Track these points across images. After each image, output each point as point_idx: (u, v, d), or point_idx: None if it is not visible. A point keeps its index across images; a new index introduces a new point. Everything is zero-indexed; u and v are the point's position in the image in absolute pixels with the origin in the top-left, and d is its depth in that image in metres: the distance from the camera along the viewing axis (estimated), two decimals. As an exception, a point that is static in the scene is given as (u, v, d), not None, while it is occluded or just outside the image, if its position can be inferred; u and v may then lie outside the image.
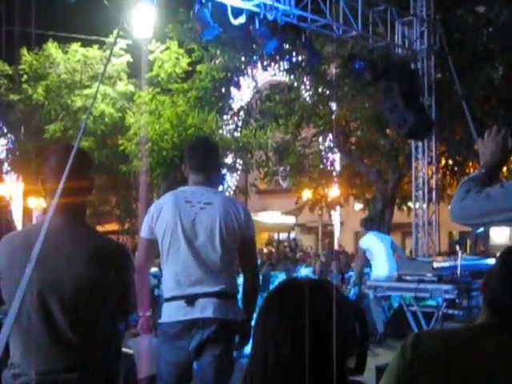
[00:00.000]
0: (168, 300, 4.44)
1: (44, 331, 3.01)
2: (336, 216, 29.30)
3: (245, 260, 4.62)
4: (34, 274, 2.90)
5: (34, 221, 24.81)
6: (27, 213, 26.58)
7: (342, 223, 30.79)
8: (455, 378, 2.16)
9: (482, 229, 9.62)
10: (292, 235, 35.56)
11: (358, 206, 24.39)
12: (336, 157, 20.75)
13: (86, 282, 3.06)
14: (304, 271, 13.93)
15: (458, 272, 8.75)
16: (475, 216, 2.78)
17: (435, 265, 9.23)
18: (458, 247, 10.78)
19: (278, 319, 1.84)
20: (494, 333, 2.23)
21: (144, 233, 4.51)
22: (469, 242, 20.29)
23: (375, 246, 11.54)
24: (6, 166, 24.34)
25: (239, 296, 4.56)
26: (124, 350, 6.37)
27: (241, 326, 4.45)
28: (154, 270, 8.44)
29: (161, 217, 4.42)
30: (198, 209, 4.40)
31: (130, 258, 3.42)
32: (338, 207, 24.83)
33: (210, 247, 4.36)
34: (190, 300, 4.32)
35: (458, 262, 8.81)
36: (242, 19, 11.37)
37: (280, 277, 13.66)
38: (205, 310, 4.30)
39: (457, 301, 8.80)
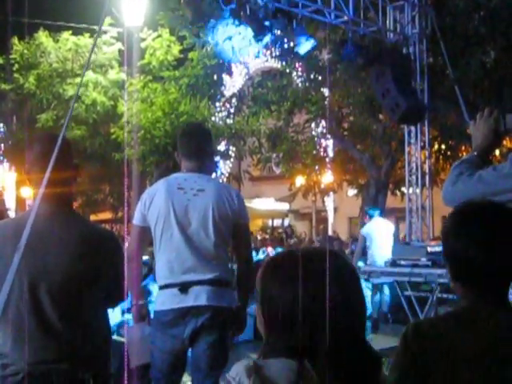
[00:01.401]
0: (162, 288, 4.43)
1: (33, 321, 3.00)
2: (329, 202, 29.32)
3: (239, 246, 4.60)
4: (23, 263, 2.90)
5: (27, 209, 24.76)
6: (20, 202, 26.53)
7: (335, 209, 30.81)
8: (463, 363, 2.16)
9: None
10: (286, 221, 35.59)
11: (352, 191, 24.37)
12: (329, 143, 20.71)
13: (74, 270, 3.05)
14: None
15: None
16: (468, 199, 2.77)
17: (429, 249, 9.25)
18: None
19: (279, 286, 1.85)
20: (486, 308, 2.24)
21: (137, 220, 4.49)
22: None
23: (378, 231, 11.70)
24: (-2, 156, 24.30)
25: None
26: (116, 338, 6.39)
27: (235, 313, 4.44)
28: (144, 258, 8.44)
29: (153, 204, 4.40)
30: (190, 195, 4.38)
31: (119, 245, 3.41)
32: (331, 193, 24.84)
33: (203, 234, 4.34)
34: (184, 288, 4.30)
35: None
36: (232, 5, 11.32)
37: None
38: (198, 297, 4.28)
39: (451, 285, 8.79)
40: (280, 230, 32.91)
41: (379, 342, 9.27)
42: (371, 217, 12.12)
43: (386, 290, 11.63)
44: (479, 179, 2.76)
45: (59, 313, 3.02)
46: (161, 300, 4.43)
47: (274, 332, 1.85)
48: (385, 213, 16.98)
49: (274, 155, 21.85)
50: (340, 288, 1.81)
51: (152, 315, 4.52)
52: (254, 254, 10.65)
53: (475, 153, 2.95)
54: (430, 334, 2.23)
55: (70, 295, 3.05)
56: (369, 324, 10.82)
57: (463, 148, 16.57)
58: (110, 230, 3.91)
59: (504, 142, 13.36)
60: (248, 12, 11.13)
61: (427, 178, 14.35)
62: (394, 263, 9.69)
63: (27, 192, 25.61)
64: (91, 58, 20.63)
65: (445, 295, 9.00)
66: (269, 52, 17.65)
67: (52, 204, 3.13)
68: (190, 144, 4.56)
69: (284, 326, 1.82)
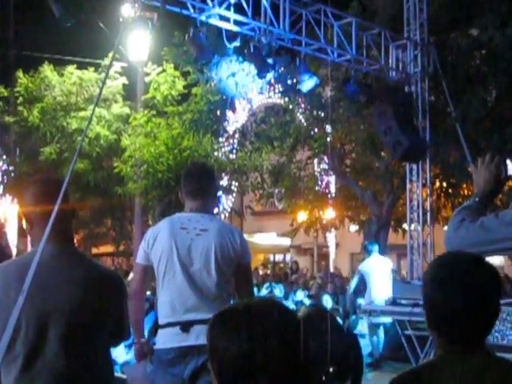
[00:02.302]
0: (163, 326, 4.44)
1: (40, 360, 3.00)
2: (331, 237, 29.26)
3: (241, 286, 4.61)
4: (29, 304, 2.92)
5: (29, 243, 24.76)
6: (22, 235, 26.50)
7: (337, 245, 30.74)
8: None
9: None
10: (287, 257, 35.51)
11: (353, 227, 24.38)
12: (331, 179, 20.77)
13: (80, 310, 3.06)
14: (300, 295, 13.90)
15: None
16: (470, 245, 2.77)
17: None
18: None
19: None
20: (458, 356, 2.27)
21: (140, 258, 4.52)
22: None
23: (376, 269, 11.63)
24: (0, 189, 24.33)
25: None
26: (118, 375, 6.38)
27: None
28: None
29: (156, 243, 4.43)
30: (193, 235, 4.41)
31: (123, 284, 3.43)
32: (333, 229, 24.82)
33: (206, 273, 4.37)
34: (185, 327, 4.32)
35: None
36: (236, 43, 11.45)
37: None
38: (200, 336, 4.28)
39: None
40: (281, 265, 32.82)
41: (379, 380, 9.22)
42: (370, 252, 12.04)
43: (381, 333, 11.49)
44: (481, 226, 2.78)
45: (66, 351, 3.02)
46: (162, 339, 4.44)
47: None
48: (386, 249, 17.01)
49: (277, 190, 21.90)
50: (283, 342, 1.84)
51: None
52: (256, 289, 10.64)
53: (477, 198, 2.96)
54: None
55: (76, 335, 3.06)
56: (368, 362, 10.77)
57: (465, 186, 16.62)
58: (113, 269, 3.92)
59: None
60: (252, 50, 11.23)
61: (428, 215, 14.37)
62: (394, 302, 9.67)
63: (29, 225, 25.67)
64: (96, 92, 20.79)
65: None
66: (272, 88, 17.81)
67: (55, 244, 3.15)
68: (193, 184, 4.60)
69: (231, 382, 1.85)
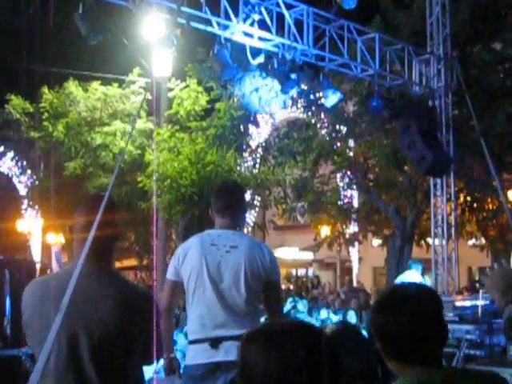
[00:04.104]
0: (192, 342, 4.47)
1: (71, 378, 3.05)
2: (354, 252, 29.20)
3: (270, 303, 4.63)
4: (63, 321, 2.96)
5: (53, 256, 24.93)
6: (46, 248, 26.70)
7: (360, 259, 30.67)
8: None
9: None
10: (310, 271, 35.44)
11: (376, 241, 24.31)
12: (354, 193, 20.75)
13: (112, 329, 3.09)
14: (324, 313, 13.83)
15: (479, 312, 8.70)
16: None
17: (456, 304, 9.20)
18: (478, 286, 10.73)
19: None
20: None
21: (170, 274, 4.55)
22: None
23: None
24: (25, 202, 24.55)
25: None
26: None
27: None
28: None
29: (187, 259, 4.47)
30: (223, 252, 4.44)
31: (155, 304, 3.46)
32: (356, 243, 24.76)
33: (235, 290, 4.39)
34: (215, 343, 4.34)
35: (479, 302, 8.76)
36: (260, 59, 11.51)
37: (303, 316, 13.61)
38: (229, 353, 4.30)
39: (478, 340, 8.72)
40: (304, 279, 32.75)
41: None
42: (409, 269, 12.07)
43: None
44: None
45: (97, 369, 3.06)
46: (191, 354, 4.47)
47: None
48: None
49: (299, 205, 21.89)
50: (312, 362, 1.89)
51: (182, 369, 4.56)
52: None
53: None
54: None
55: (108, 352, 3.10)
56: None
57: (489, 200, 16.55)
58: (147, 289, 3.92)
59: None
60: (275, 65, 11.29)
61: (453, 229, 14.32)
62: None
63: (53, 238, 25.84)
64: (119, 107, 20.97)
65: (472, 351, 8.92)
66: (294, 103, 17.86)
67: (93, 262, 3.20)
68: (224, 201, 4.64)
69: None
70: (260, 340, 1.95)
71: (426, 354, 2.31)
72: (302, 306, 14.00)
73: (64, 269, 3.42)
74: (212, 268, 4.41)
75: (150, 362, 3.38)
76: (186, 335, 8.85)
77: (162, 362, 4.61)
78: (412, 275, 12.07)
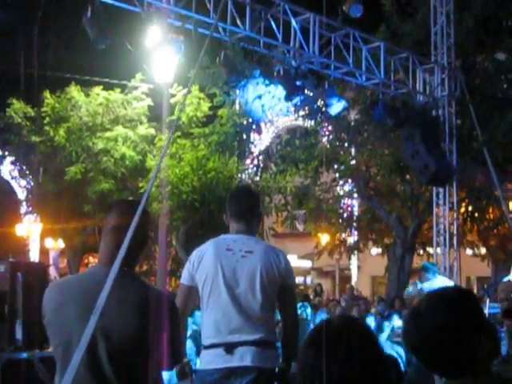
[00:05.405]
0: (207, 347, 4.44)
1: (90, 378, 3.03)
2: (353, 260, 29.24)
3: (285, 308, 4.61)
4: (82, 323, 2.96)
5: (51, 261, 24.92)
6: (44, 253, 26.68)
7: (358, 267, 30.71)
8: None
9: (508, 277, 9.57)
10: (308, 279, 35.44)
11: (375, 250, 24.33)
12: (354, 202, 20.76)
13: (132, 332, 3.08)
14: (322, 317, 13.81)
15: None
16: None
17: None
18: (485, 296, 10.72)
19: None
20: None
21: (184, 279, 4.53)
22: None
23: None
24: (25, 207, 24.53)
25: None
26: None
27: (279, 374, 4.45)
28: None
29: (202, 264, 4.45)
30: (239, 257, 4.43)
31: (176, 307, 3.46)
32: (355, 252, 24.77)
33: (251, 295, 4.37)
34: (229, 348, 4.32)
35: (485, 311, 8.77)
36: (266, 66, 11.54)
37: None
38: (244, 358, 4.29)
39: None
40: (301, 287, 32.71)
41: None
42: (434, 274, 11.95)
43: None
44: None
45: (116, 371, 3.05)
46: (206, 359, 4.44)
47: None
48: (410, 273, 16.97)
49: (301, 213, 21.88)
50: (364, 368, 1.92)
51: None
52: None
53: None
54: None
55: (128, 354, 3.08)
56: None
57: (490, 210, 16.56)
58: (168, 292, 3.91)
59: None
60: (281, 72, 11.30)
61: (455, 239, 14.32)
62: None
63: (51, 243, 25.84)
64: (121, 112, 21.00)
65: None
66: (297, 110, 17.87)
67: (111, 265, 3.19)
68: (239, 206, 4.63)
69: None
70: (313, 340, 1.99)
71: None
72: (310, 312, 14.06)
73: (87, 270, 3.42)
74: (228, 273, 4.39)
75: (173, 366, 3.36)
76: (192, 339, 8.86)
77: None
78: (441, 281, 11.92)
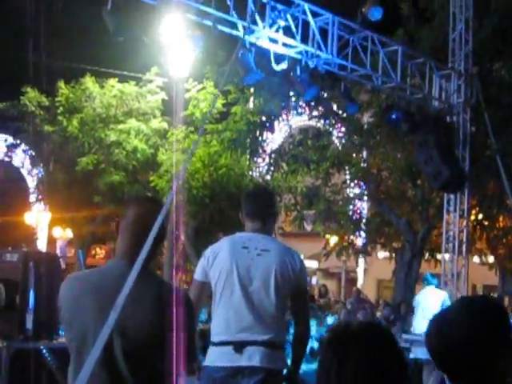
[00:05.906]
0: (216, 344, 4.42)
1: (106, 376, 3.03)
2: (360, 263, 29.19)
3: (298, 310, 4.61)
4: (98, 319, 2.96)
5: (58, 250, 24.99)
6: (51, 242, 26.78)
7: (365, 270, 30.67)
8: None
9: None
10: (313, 280, 35.39)
11: (382, 254, 24.28)
12: (364, 205, 20.72)
13: (148, 329, 3.07)
14: (330, 320, 13.83)
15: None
16: None
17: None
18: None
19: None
20: None
21: (198, 275, 4.52)
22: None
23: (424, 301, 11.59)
24: (35, 195, 24.61)
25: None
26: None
27: (287, 376, 4.45)
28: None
29: (217, 261, 4.44)
30: (254, 255, 4.42)
31: (192, 305, 3.44)
32: (363, 254, 24.73)
33: (264, 294, 4.36)
34: (238, 347, 4.30)
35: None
36: (283, 65, 11.51)
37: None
38: (252, 358, 4.28)
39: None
40: (308, 288, 32.72)
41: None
42: (428, 284, 12.05)
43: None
44: None
45: (132, 368, 3.04)
46: (213, 356, 4.42)
47: None
48: (418, 278, 16.93)
49: (311, 213, 21.85)
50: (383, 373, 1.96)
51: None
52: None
53: None
54: None
55: (143, 351, 3.07)
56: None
57: (501, 218, 16.51)
58: (184, 289, 3.89)
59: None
60: (298, 72, 11.29)
61: (464, 246, 14.26)
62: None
63: (59, 232, 25.90)
64: (135, 105, 21.01)
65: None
66: (310, 110, 17.86)
67: (128, 261, 3.19)
68: (255, 205, 4.63)
69: None
70: (333, 341, 2.03)
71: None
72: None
73: (104, 265, 3.41)
74: (242, 270, 4.38)
75: (190, 363, 3.33)
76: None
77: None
78: (431, 292, 11.95)
